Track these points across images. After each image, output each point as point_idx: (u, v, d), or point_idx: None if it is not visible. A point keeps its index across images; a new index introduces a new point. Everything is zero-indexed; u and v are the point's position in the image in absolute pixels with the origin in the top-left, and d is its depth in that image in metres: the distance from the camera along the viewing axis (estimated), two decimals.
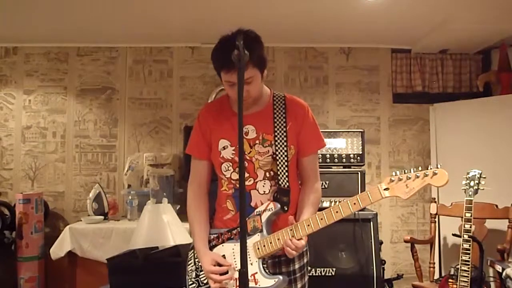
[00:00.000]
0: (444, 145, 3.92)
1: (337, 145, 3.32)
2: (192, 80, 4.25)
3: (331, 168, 3.32)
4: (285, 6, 3.27)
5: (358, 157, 3.31)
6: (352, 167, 3.31)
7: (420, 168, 1.48)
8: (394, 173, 1.51)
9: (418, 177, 1.46)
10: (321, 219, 1.54)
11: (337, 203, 1.55)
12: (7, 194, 4.12)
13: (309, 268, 1.80)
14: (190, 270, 1.74)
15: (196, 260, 1.71)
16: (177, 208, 3.28)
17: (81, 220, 3.64)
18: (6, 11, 3.37)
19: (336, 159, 3.29)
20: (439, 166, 1.45)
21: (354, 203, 1.51)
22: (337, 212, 1.52)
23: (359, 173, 3.25)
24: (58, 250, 3.37)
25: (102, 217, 3.63)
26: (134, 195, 3.63)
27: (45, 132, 4.20)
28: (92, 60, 4.24)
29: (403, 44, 4.19)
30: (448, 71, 4.22)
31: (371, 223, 3.11)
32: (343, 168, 3.31)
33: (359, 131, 3.37)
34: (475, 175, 2.66)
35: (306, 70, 4.28)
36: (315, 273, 3.02)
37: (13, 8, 3.30)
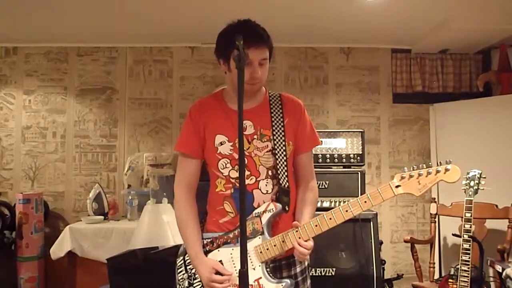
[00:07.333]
0: (444, 145, 3.92)
1: (337, 145, 3.31)
2: (192, 80, 4.25)
3: (331, 168, 3.31)
4: (285, 6, 3.27)
5: (358, 157, 3.30)
6: (352, 167, 3.30)
7: (430, 164, 1.43)
8: (404, 170, 1.45)
9: (430, 173, 1.41)
10: (330, 218, 1.47)
11: (347, 202, 1.47)
12: (7, 194, 4.12)
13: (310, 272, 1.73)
14: (181, 278, 1.62)
15: (188, 267, 1.60)
16: None
17: (81, 220, 3.65)
18: (6, 11, 3.37)
19: (336, 159, 3.28)
20: (449, 161, 1.41)
21: (365, 201, 1.45)
22: (346, 211, 1.46)
23: (359, 173, 3.24)
24: (58, 250, 3.37)
25: (102, 217, 3.63)
26: (134, 195, 3.63)
27: (45, 132, 4.20)
28: (92, 60, 4.24)
29: (403, 44, 4.19)
30: (448, 71, 4.22)
31: (371, 223, 3.10)
32: (343, 168, 3.30)
33: (359, 131, 3.36)
34: (475, 175, 2.65)
35: (306, 70, 4.28)
36: (315, 273, 3.01)
37: (13, 8, 3.29)
